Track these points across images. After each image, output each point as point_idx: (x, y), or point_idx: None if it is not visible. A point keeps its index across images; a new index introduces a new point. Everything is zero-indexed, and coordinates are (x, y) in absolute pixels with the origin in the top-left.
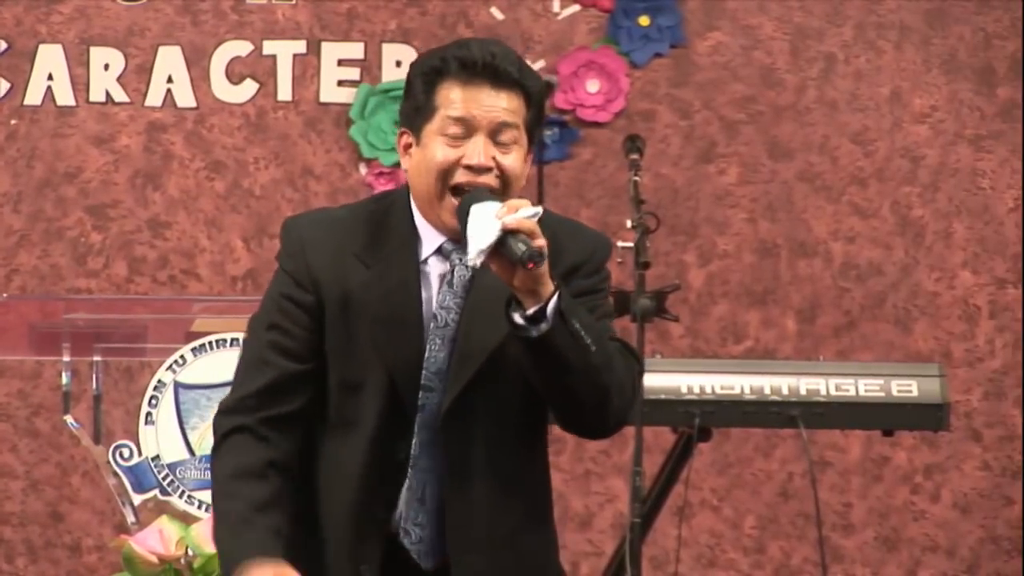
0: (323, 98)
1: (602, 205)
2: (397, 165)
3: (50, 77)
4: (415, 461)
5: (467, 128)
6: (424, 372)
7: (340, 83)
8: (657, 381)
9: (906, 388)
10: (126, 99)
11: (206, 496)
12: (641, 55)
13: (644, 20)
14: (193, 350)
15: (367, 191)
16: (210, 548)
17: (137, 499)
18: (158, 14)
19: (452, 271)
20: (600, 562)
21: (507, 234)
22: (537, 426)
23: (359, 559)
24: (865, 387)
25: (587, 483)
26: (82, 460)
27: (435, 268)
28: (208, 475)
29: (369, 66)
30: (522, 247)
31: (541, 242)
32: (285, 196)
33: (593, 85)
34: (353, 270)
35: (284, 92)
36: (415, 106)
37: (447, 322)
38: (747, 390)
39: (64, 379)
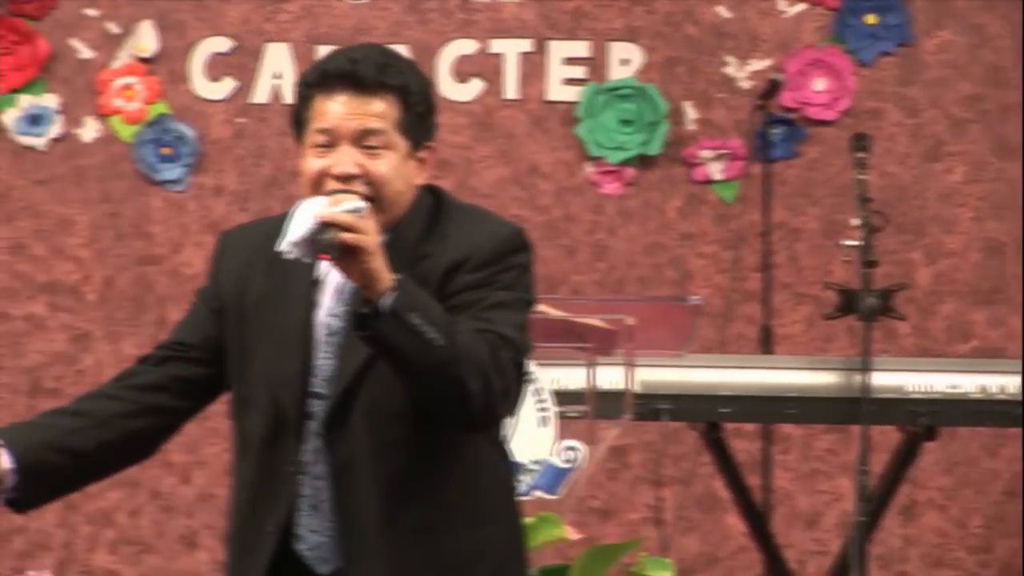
0: (549, 96)
1: (828, 204)
2: (624, 163)
3: (277, 76)
4: (308, 468)
5: (332, 138)
6: (314, 380)
7: (566, 81)
8: (884, 380)
9: None
10: None
11: None
12: (867, 53)
13: (871, 18)
14: None
15: (593, 190)
16: None
17: None
18: (385, 13)
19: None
20: (826, 561)
21: (322, 226)
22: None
23: (244, 572)
24: None
25: (813, 482)
26: None
27: (333, 278)
28: None
29: (595, 64)
30: (324, 238)
31: (355, 236)
32: (511, 195)
33: (820, 83)
34: (254, 283)
35: (510, 91)
36: (295, 120)
37: (335, 330)
38: (974, 389)
39: None
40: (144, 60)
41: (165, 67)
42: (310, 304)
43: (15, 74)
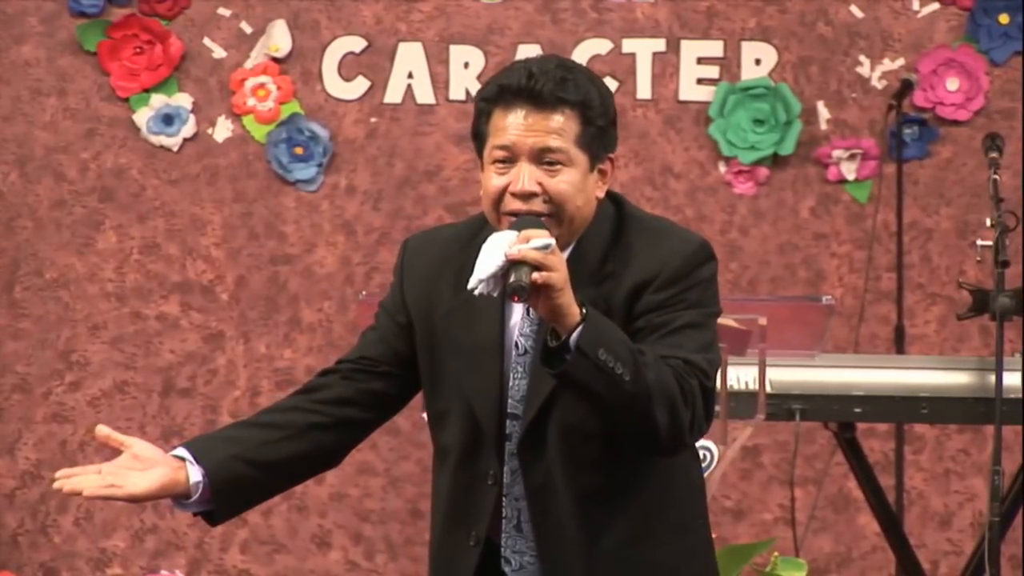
0: (682, 96)
1: (962, 203)
2: (757, 163)
3: (410, 75)
4: (507, 489)
5: (511, 154)
6: (509, 400)
7: (699, 81)
8: (1016, 380)
9: None
10: None
11: None
12: (1000, 53)
13: (1004, 18)
14: None
15: (726, 189)
16: None
17: None
18: (518, 12)
19: None
20: (959, 561)
21: (511, 264)
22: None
23: None
24: None
25: (947, 482)
26: None
27: None
28: None
29: (728, 64)
30: (512, 279)
31: (544, 276)
32: (645, 194)
33: (953, 83)
34: (440, 298)
35: (643, 90)
36: (476, 134)
37: (526, 349)
38: None
39: None
40: (277, 60)
41: (298, 66)
42: (502, 320)
43: (148, 74)
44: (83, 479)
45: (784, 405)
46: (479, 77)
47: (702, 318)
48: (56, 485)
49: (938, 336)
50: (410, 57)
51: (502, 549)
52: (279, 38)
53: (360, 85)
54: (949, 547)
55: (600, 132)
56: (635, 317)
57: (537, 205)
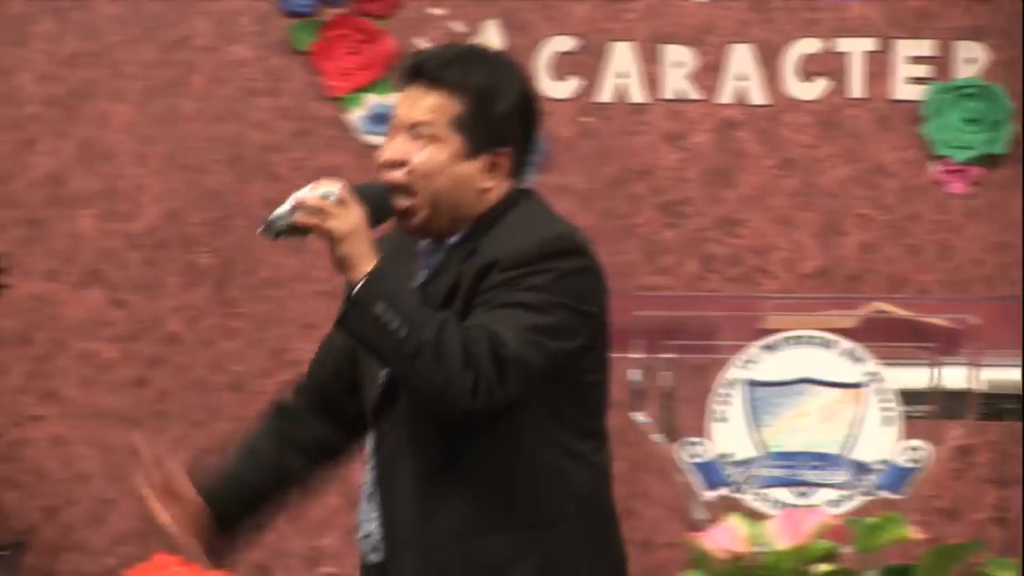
0: (894, 95)
1: None
2: (969, 162)
3: (622, 75)
4: (368, 458)
5: (395, 127)
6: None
7: (911, 80)
8: None
9: None
10: (698, 97)
11: (778, 494)
12: None
13: None
14: (764, 348)
15: (938, 189)
16: (780, 544)
17: (707, 496)
18: (729, 12)
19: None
20: None
21: (292, 209)
22: (499, 422)
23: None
24: None
25: None
26: (652, 457)
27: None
28: (778, 472)
29: (941, 63)
30: (280, 220)
31: (313, 218)
32: (855, 194)
33: None
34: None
35: (855, 89)
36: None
37: None
38: None
39: (634, 376)
40: None
41: None
42: None
43: (361, 73)
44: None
45: (996, 405)
46: (691, 76)
47: (540, 302)
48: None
49: None
50: (622, 57)
51: (358, 513)
52: (491, 38)
53: (572, 85)
54: None
55: (488, 121)
56: (478, 295)
57: (398, 175)
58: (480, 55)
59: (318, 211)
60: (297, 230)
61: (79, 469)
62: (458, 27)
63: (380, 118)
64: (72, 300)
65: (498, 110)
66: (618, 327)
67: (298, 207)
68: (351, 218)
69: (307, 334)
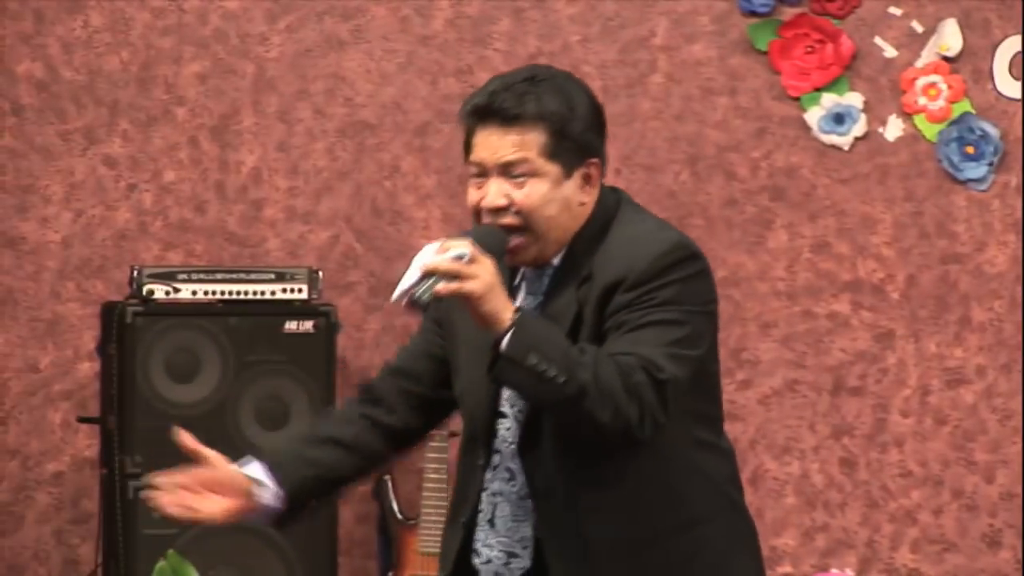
0: None
1: None
2: None
3: None
4: (487, 484)
5: (482, 171)
6: (503, 399)
7: None
8: None
9: None
10: None
11: None
12: None
13: None
14: None
15: None
16: None
17: None
18: None
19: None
20: None
21: (425, 277)
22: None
23: (444, 556)
24: None
25: None
26: None
27: (521, 295)
28: None
29: None
30: (419, 292)
31: (455, 285)
32: None
33: None
34: None
35: None
36: (464, 149)
37: None
38: None
39: None
40: (947, 59)
41: (968, 65)
42: None
43: (819, 72)
44: (165, 495)
45: None
46: None
47: (675, 316)
48: (144, 494)
49: None
50: None
51: (474, 541)
52: (950, 37)
53: None
54: None
55: (572, 140)
56: (606, 318)
57: (508, 218)
58: (543, 79)
59: (456, 275)
60: (427, 302)
61: None
62: (916, 27)
63: (838, 118)
64: None
65: (578, 127)
66: None
67: (432, 274)
68: (487, 275)
69: (765, 333)
